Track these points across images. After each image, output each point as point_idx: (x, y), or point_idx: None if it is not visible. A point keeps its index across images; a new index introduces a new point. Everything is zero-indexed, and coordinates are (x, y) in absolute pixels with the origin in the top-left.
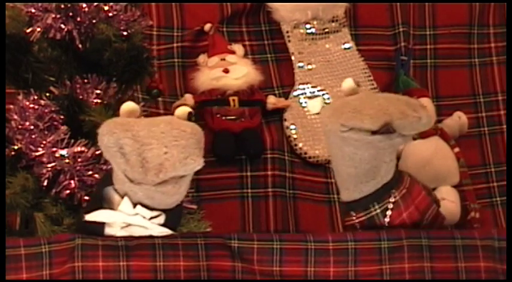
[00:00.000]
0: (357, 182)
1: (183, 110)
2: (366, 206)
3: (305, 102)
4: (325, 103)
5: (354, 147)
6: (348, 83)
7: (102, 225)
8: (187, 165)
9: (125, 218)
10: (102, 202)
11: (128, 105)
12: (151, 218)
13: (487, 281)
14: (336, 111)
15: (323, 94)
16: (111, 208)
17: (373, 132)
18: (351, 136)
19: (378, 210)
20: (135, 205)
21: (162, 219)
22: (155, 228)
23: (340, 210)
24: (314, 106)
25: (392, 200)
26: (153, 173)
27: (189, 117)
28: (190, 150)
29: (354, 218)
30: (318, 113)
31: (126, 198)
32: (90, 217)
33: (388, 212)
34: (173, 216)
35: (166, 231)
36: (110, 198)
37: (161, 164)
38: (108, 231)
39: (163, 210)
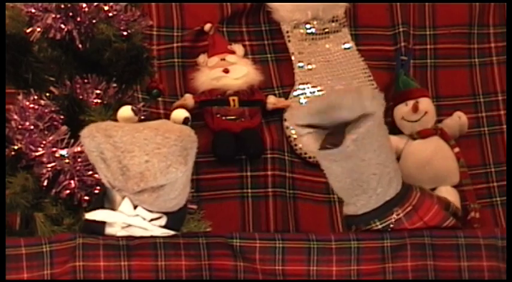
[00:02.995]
0: (348, 195)
1: (179, 115)
2: (367, 222)
3: (305, 103)
4: None
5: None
6: None
7: (103, 224)
8: (169, 174)
9: (125, 219)
10: (104, 201)
11: (124, 112)
12: (152, 219)
13: (489, 280)
14: None
15: (323, 94)
16: (113, 207)
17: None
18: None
19: (379, 226)
20: (135, 206)
21: (163, 221)
22: (155, 230)
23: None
24: None
25: (394, 217)
26: (133, 182)
27: (185, 122)
28: (172, 158)
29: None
30: None
31: (126, 199)
32: (90, 216)
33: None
34: (175, 219)
35: (167, 233)
36: (111, 198)
37: (141, 173)
38: (108, 230)
39: (165, 213)
